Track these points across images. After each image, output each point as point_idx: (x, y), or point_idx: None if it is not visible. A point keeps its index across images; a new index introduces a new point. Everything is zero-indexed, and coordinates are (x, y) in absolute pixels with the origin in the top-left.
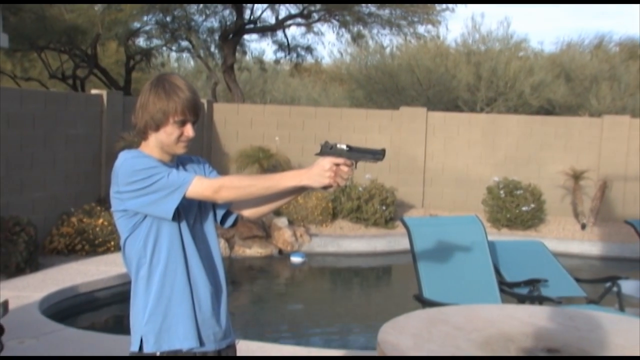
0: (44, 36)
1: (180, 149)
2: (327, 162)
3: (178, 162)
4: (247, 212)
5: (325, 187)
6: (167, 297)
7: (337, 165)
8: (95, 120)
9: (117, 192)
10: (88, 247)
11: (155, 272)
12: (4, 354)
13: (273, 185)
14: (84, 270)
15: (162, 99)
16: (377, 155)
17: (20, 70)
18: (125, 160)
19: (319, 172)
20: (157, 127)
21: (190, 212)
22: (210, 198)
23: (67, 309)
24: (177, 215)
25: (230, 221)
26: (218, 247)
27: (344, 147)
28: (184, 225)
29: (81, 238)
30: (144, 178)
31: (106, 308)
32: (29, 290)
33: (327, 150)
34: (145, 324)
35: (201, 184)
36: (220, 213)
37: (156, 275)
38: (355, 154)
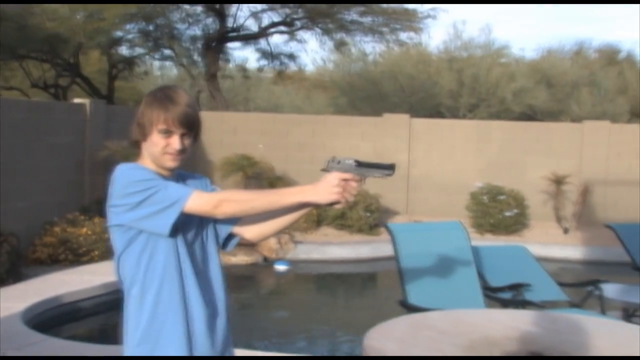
0: (25, 45)
1: (168, 162)
2: (334, 177)
3: (178, 177)
4: (250, 234)
5: (332, 204)
6: (161, 318)
7: (345, 180)
8: (78, 129)
9: (112, 206)
10: (72, 256)
11: (149, 291)
12: None
13: (276, 200)
14: (67, 280)
15: (149, 108)
16: (387, 170)
17: (1, 80)
18: (121, 172)
19: (325, 188)
20: (145, 137)
21: (189, 228)
22: (210, 213)
23: (51, 319)
24: (174, 232)
25: (232, 244)
26: (219, 268)
27: (352, 162)
28: (181, 242)
29: (65, 248)
30: (140, 190)
31: (90, 318)
32: (12, 301)
33: (334, 165)
34: (137, 346)
35: (200, 199)
36: (222, 235)
37: (149, 295)
38: (364, 169)
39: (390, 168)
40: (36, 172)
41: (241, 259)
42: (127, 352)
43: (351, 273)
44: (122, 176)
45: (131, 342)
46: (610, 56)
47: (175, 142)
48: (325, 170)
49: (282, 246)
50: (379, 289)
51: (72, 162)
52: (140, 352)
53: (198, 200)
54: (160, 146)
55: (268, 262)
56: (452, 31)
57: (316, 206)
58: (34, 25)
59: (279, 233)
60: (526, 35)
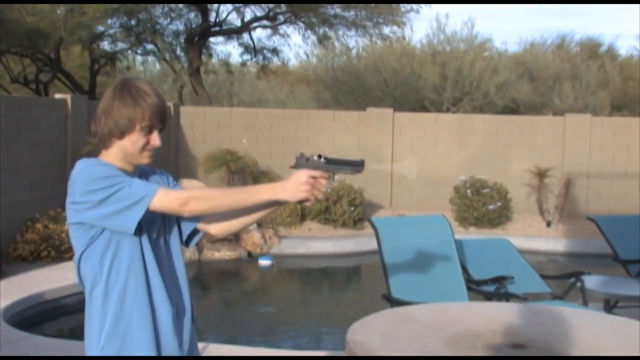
0: (5, 40)
1: (144, 159)
2: (303, 175)
3: (140, 173)
4: (216, 229)
5: (301, 201)
6: (127, 319)
7: (314, 178)
8: (60, 125)
9: (72, 203)
10: (54, 253)
11: (113, 291)
12: None
13: (245, 198)
14: (49, 276)
15: (128, 105)
16: (356, 167)
17: None
18: (83, 169)
19: (294, 186)
20: (122, 135)
21: (153, 226)
22: (177, 211)
23: (33, 316)
24: (139, 230)
25: (195, 240)
26: (183, 265)
27: (321, 159)
28: (145, 240)
29: (47, 244)
30: (104, 187)
31: (73, 315)
32: None
33: (303, 162)
34: (102, 348)
35: (167, 196)
36: (186, 231)
37: (114, 295)
38: (333, 166)
39: (359, 165)
40: (17, 169)
41: (225, 254)
42: (91, 354)
43: (335, 267)
44: (84, 172)
45: (95, 344)
46: (591, 50)
47: (156, 138)
48: (294, 167)
49: (266, 241)
50: (363, 283)
51: (54, 158)
52: (105, 353)
53: (164, 197)
54: (141, 144)
55: (252, 257)
56: (435, 25)
57: (284, 203)
58: (13, 20)
59: (245, 228)
60: (509, 28)
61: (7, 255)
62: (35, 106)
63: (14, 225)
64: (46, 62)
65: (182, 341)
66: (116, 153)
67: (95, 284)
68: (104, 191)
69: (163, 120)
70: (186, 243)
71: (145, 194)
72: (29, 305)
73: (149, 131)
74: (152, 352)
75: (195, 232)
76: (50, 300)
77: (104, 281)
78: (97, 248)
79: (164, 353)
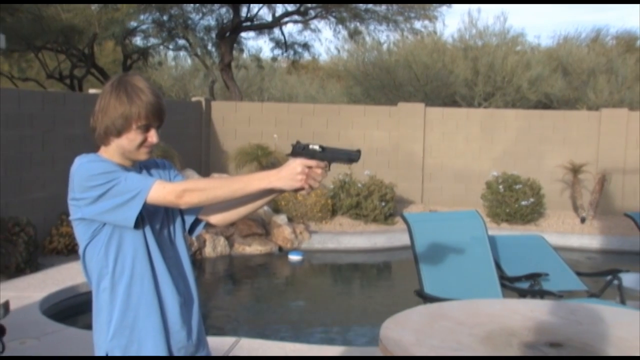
0: (41, 36)
1: (142, 155)
2: (298, 164)
3: (141, 165)
4: (215, 219)
5: (296, 190)
6: (134, 309)
7: (310, 167)
8: None
9: (73, 199)
10: None
11: (120, 283)
12: (6, 354)
13: (241, 187)
14: None
15: (124, 103)
16: (352, 156)
17: (18, 71)
18: (80, 165)
19: (289, 175)
20: (119, 133)
21: (156, 217)
22: (173, 203)
23: (68, 308)
24: (141, 222)
25: (198, 230)
26: (188, 255)
27: (317, 147)
28: (148, 231)
29: None
30: (100, 184)
31: None
32: (30, 290)
33: (299, 150)
34: (111, 340)
35: (163, 189)
36: (189, 220)
37: (121, 287)
38: (329, 154)
39: (355, 154)
40: (52, 163)
41: (256, 248)
42: (100, 346)
43: (366, 263)
44: (81, 169)
45: (104, 336)
46: (628, 43)
47: (153, 136)
48: (291, 155)
49: (297, 236)
50: (395, 279)
51: (87, 153)
52: (114, 345)
53: (161, 190)
54: (138, 141)
55: (283, 252)
56: (467, 19)
57: (281, 192)
58: (49, 17)
59: (246, 217)
60: (542, 22)
61: (43, 248)
62: (69, 101)
63: (50, 218)
64: (80, 58)
65: (190, 330)
66: (114, 149)
67: (102, 277)
68: (100, 187)
69: (160, 117)
70: (189, 232)
71: (142, 188)
72: (64, 297)
73: (146, 129)
74: (160, 342)
75: (197, 221)
76: (85, 293)
77: (110, 274)
78: (100, 241)
79: (173, 342)
